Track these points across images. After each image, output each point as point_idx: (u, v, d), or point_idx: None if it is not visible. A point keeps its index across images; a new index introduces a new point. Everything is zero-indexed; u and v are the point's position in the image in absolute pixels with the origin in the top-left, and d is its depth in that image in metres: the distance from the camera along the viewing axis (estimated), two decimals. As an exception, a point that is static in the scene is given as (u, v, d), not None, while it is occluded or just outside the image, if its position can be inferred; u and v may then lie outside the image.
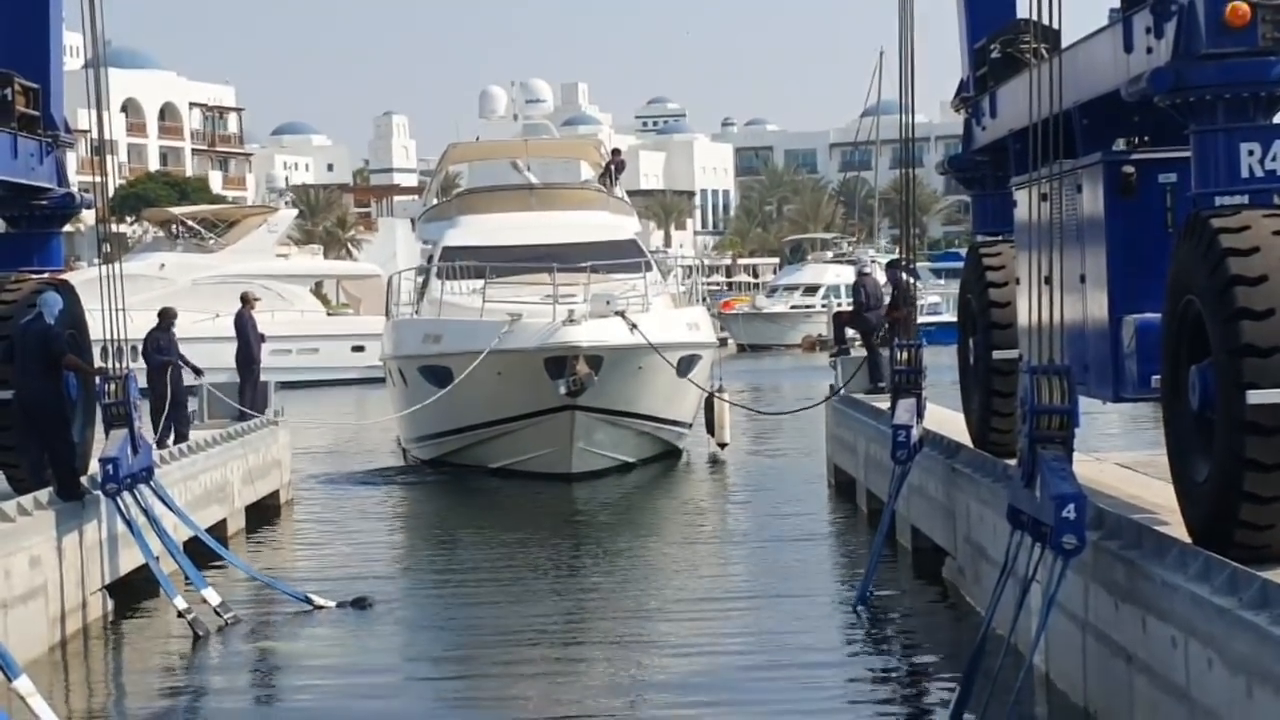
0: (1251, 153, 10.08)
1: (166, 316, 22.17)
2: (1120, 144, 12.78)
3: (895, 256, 19.76)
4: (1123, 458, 15.32)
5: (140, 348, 21.36)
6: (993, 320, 15.32)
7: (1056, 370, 10.81)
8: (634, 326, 25.10)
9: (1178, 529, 10.38)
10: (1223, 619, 8.68)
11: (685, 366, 26.80)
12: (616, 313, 25.29)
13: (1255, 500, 9.56)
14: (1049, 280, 11.32)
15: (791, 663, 13.47)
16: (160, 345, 21.69)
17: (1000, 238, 15.97)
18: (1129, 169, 11.81)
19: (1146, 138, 12.65)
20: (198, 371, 22.72)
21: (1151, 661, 9.75)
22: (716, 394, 28.76)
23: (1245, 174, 10.09)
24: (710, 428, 28.84)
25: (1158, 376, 10.92)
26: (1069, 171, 12.20)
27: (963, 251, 20.45)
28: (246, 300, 25.60)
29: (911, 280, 20.48)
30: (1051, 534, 10.24)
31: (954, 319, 18.27)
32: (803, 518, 21.71)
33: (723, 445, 28.75)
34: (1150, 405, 12.35)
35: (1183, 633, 9.24)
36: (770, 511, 22.47)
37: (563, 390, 24.47)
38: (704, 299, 33.05)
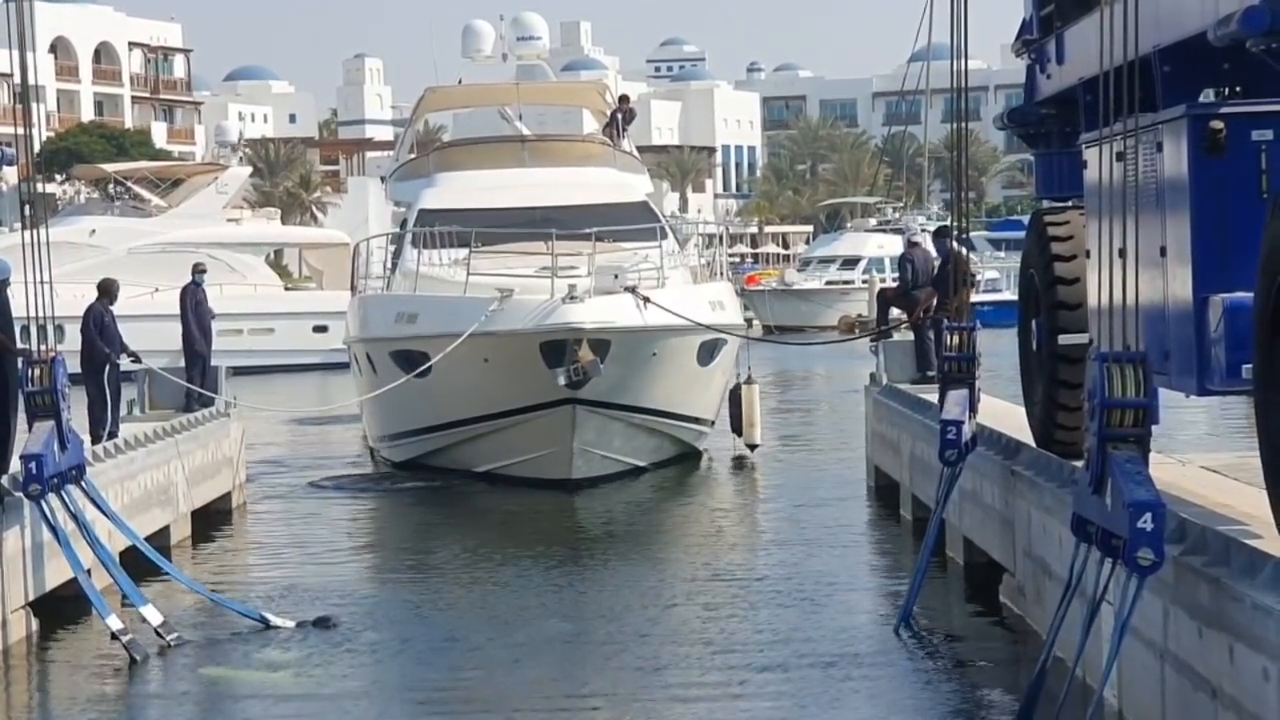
0: (1360, 106, 10.10)
1: (111, 290, 22.29)
2: (1208, 95, 12.78)
3: (945, 224, 19.76)
4: (1209, 460, 15.34)
5: (81, 324, 21.57)
6: (1058, 299, 15.34)
7: (1131, 358, 10.83)
8: (646, 303, 25.00)
9: (1272, 543, 10.41)
10: (1322, 647, 8.73)
11: (707, 353, 26.68)
12: (626, 288, 25.16)
13: (1361, 510, 9.60)
14: (1123, 253, 11.33)
15: (818, 698, 13.52)
16: (104, 323, 21.78)
17: (1068, 204, 15.98)
18: (1218, 124, 11.80)
19: (1238, 88, 12.65)
20: (135, 358, 22.82)
21: (1240, 696, 9.79)
22: (745, 384, 28.56)
23: (1353, 130, 10.11)
24: (736, 426, 28.62)
25: (1249, 366, 10.93)
26: (1148, 127, 12.20)
27: (1024, 219, 20.61)
28: (197, 272, 25.77)
29: (965, 252, 20.49)
30: (1125, 548, 10.28)
31: (1014, 297, 18.26)
32: (837, 528, 21.76)
33: (752, 446, 28.54)
34: (1241, 399, 12.35)
35: (1276, 663, 9.27)
36: (800, 521, 22.52)
37: (562, 380, 24.36)
38: (725, 273, 32.97)
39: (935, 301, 23.39)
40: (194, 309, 25.12)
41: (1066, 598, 11.53)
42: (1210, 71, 12.54)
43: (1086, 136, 14.17)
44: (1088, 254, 14.24)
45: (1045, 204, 16.83)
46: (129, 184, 56.38)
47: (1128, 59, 11.02)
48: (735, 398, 28.52)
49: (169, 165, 67.23)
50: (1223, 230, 11.74)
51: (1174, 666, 10.88)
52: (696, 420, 27.55)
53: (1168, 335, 12.35)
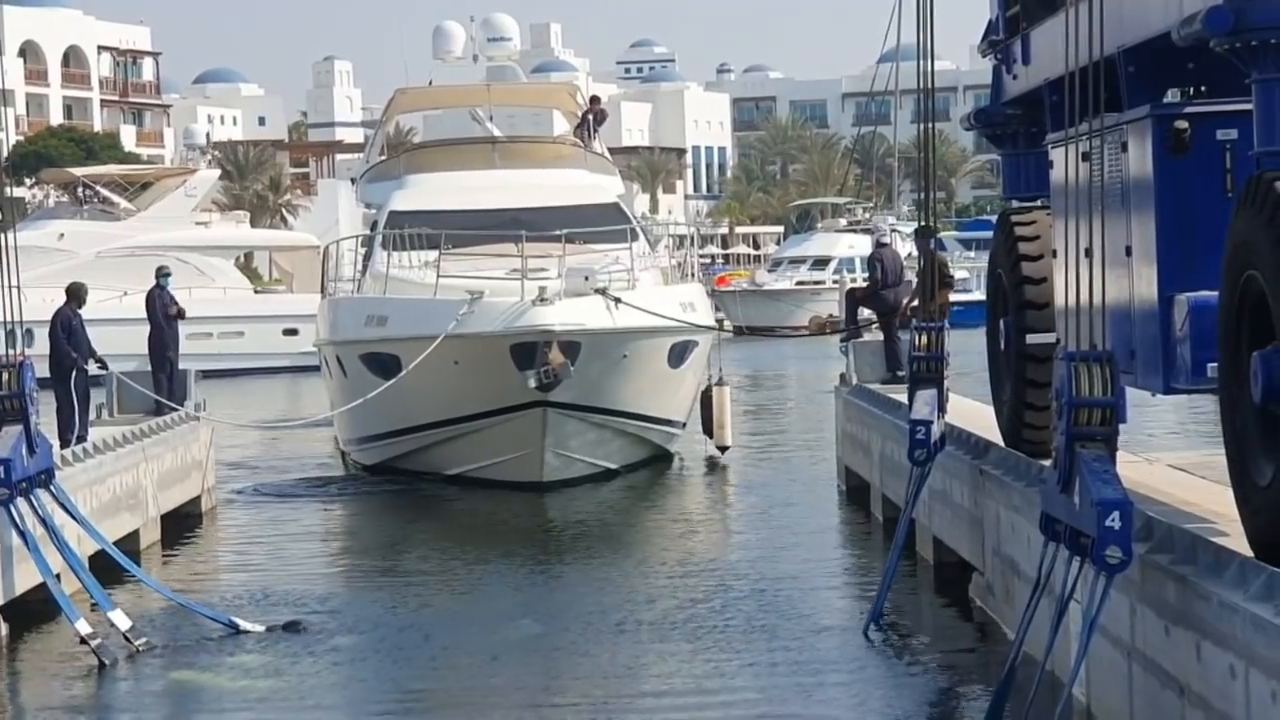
0: (1323, 105, 10.11)
1: (80, 293, 22.27)
2: (1173, 95, 12.83)
3: (926, 224, 19.90)
4: (1176, 458, 15.40)
5: (49, 328, 21.56)
6: (1026, 299, 15.38)
7: (1098, 357, 10.87)
8: (617, 302, 24.96)
9: (1238, 541, 10.45)
10: (1288, 644, 8.76)
11: (678, 354, 26.66)
12: (596, 290, 25.12)
13: (1326, 508, 9.63)
14: (1089, 253, 11.37)
15: (788, 699, 13.55)
16: (72, 327, 21.74)
17: (1035, 204, 16.02)
18: (1182, 124, 11.86)
19: (1203, 88, 12.69)
20: (103, 364, 22.78)
21: (1207, 693, 9.82)
22: (716, 386, 28.54)
23: (1316, 129, 10.13)
24: (708, 428, 28.61)
25: (1214, 364, 10.98)
26: (1113, 127, 12.24)
27: (993, 219, 20.70)
28: (161, 275, 25.73)
29: (939, 252, 20.52)
30: (1092, 546, 10.31)
31: (983, 297, 18.29)
32: (808, 528, 21.79)
33: (723, 449, 28.54)
34: (1207, 398, 12.40)
35: (1243, 660, 9.31)
36: (771, 522, 22.53)
37: (533, 383, 24.30)
38: (696, 274, 32.94)
39: (917, 301, 23.40)
40: (162, 312, 25.08)
41: (1035, 596, 11.57)
42: (1175, 71, 12.58)
43: (1052, 136, 14.21)
44: (1054, 254, 14.29)
45: (1012, 204, 16.86)
46: (97, 188, 56.17)
47: (1093, 59, 11.06)
48: (706, 399, 28.51)
49: (137, 169, 66.98)
50: (1187, 229, 11.80)
51: (1142, 664, 10.92)
52: (668, 422, 27.52)
53: (1134, 334, 12.40)
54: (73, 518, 17.03)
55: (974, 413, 18.57)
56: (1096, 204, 11.61)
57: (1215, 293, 10.86)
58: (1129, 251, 12.33)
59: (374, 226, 29.62)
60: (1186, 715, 10.14)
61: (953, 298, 24.73)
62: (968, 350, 21.41)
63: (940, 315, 19.07)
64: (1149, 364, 12.22)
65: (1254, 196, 10.16)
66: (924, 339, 16.61)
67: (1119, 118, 12.34)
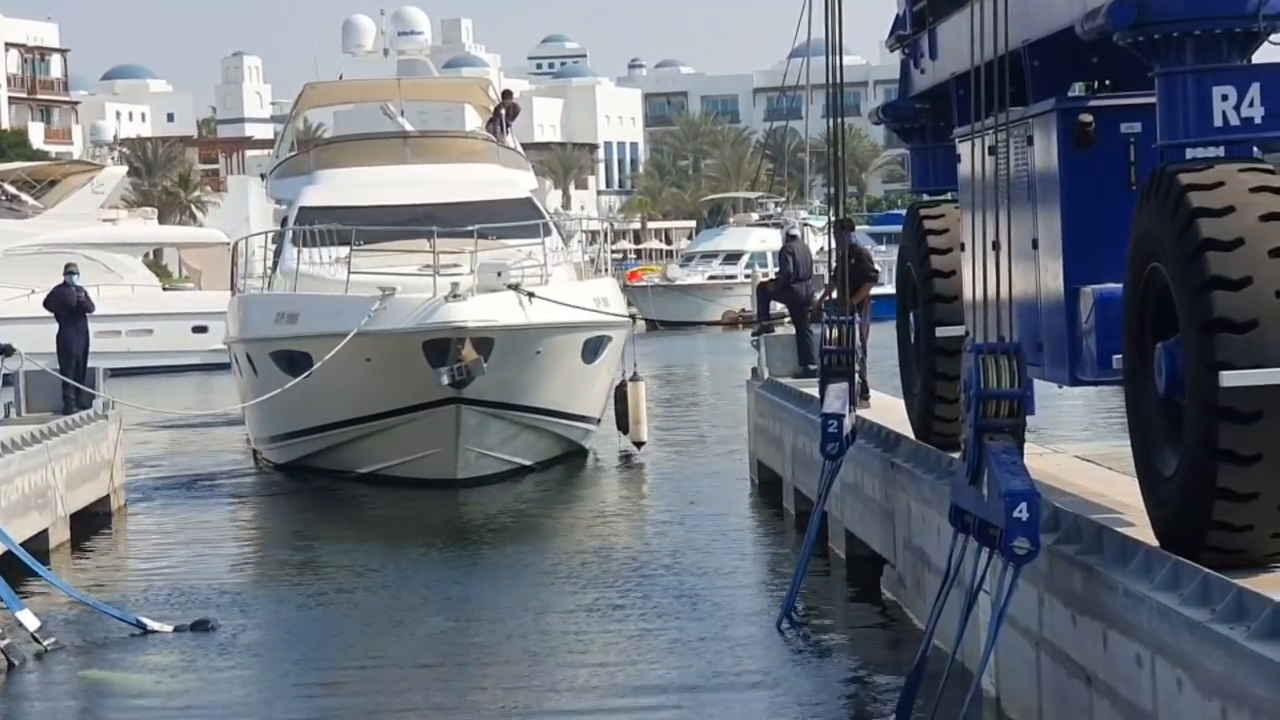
0: (1225, 98, 10.16)
1: None
2: (1077, 89, 12.92)
3: (847, 218, 19.87)
4: (1083, 449, 15.51)
5: None
6: (934, 292, 15.46)
7: (1005, 349, 10.93)
8: (530, 297, 24.90)
9: (1144, 531, 10.54)
10: (1193, 634, 8.83)
11: (592, 350, 26.63)
12: (509, 286, 25.05)
13: (1230, 497, 9.69)
14: (996, 246, 11.44)
15: (701, 693, 13.57)
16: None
17: (944, 197, 16.11)
18: (1087, 117, 11.94)
19: (1107, 81, 12.79)
20: (7, 351, 22.60)
21: (1114, 682, 9.91)
22: (630, 381, 28.51)
23: (1218, 122, 10.17)
24: (622, 423, 28.55)
25: (1119, 356, 11.06)
26: (1018, 121, 12.33)
27: (904, 213, 20.60)
28: (68, 272, 25.52)
29: (863, 246, 20.55)
30: (1001, 537, 10.36)
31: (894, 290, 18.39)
32: (720, 523, 21.81)
33: (638, 444, 28.54)
34: (1113, 389, 12.51)
35: (1149, 649, 9.39)
36: (684, 518, 22.52)
37: (445, 380, 24.21)
38: (609, 269, 32.92)
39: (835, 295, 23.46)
40: (59, 304, 24.87)
41: (945, 588, 11.63)
42: (1079, 65, 12.65)
43: (959, 130, 14.28)
44: (962, 247, 14.36)
45: (922, 197, 16.93)
46: (4, 185, 55.60)
47: (998, 54, 11.13)
48: (621, 395, 28.46)
49: (44, 166, 66.31)
50: (1092, 222, 11.88)
51: (1050, 654, 11.00)
52: (582, 418, 27.49)
53: (1040, 326, 12.48)
54: (-22, 518, 16.87)
55: (886, 406, 18.65)
56: (1003, 197, 11.68)
57: (1120, 285, 10.94)
58: (1035, 244, 12.41)
59: (284, 223, 29.42)
60: (1094, 704, 10.22)
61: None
62: (879, 344, 21.45)
63: (861, 310, 19.18)
64: (1055, 356, 12.30)
65: (1157, 189, 10.25)
66: (835, 332, 16.68)
67: (1024, 112, 12.43)
